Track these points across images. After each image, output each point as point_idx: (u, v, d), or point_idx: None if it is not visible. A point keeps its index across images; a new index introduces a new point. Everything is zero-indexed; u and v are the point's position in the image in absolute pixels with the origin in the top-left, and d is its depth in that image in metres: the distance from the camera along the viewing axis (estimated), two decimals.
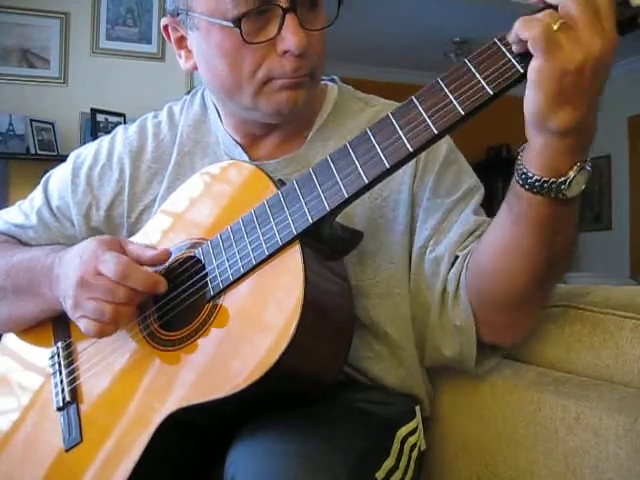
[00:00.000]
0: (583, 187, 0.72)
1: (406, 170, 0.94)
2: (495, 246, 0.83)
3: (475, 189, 0.96)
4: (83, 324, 0.84)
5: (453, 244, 0.91)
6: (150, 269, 0.86)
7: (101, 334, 0.84)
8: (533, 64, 0.65)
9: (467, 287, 0.88)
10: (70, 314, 0.87)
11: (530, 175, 0.71)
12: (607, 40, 0.64)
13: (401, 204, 0.94)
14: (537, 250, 0.78)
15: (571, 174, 0.70)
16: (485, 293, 0.86)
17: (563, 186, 0.70)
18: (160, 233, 0.95)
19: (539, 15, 0.65)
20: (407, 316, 0.95)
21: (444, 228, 0.93)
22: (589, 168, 0.71)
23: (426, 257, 0.92)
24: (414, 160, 0.93)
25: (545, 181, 0.71)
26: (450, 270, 0.90)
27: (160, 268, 0.88)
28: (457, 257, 0.90)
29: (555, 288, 0.89)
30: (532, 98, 0.66)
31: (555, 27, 0.63)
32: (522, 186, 0.73)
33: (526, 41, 0.64)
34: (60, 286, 0.89)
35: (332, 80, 1.07)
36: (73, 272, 0.85)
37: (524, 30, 0.65)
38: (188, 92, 1.16)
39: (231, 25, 0.85)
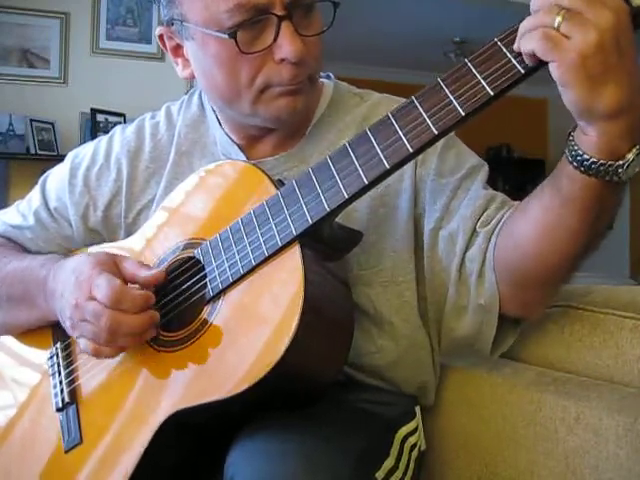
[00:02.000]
0: (638, 169, 0.69)
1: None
2: (536, 227, 0.80)
3: (479, 166, 0.95)
4: (82, 343, 0.85)
5: (466, 220, 0.89)
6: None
7: (98, 355, 0.84)
8: (551, 65, 0.63)
9: (495, 265, 0.86)
10: (69, 332, 0.88)
11: (587, 157, 0.69)
12: (615, 9, 0.62)
13: (403, 192, 0.94)
14: (581, 230, 0.76)
15: (630, 156, 0.68)
16: (517, 272, 0.85)
17: (620, 169, 0.68)
18: (159, 233, 0.94)
19: (538, 16, 0.64)
20: (413, 304, 0.94)
21: (454, 206, 0.91)
22: None
23: (439, 237, 0.91)
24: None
25: (602, 164, 0.68)
26: (468, 247, 0.89)
27: (161, 268, 0.88)
28: (477, 233, 0.88)
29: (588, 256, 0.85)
30: (567, 95, 0.65)
31: (556, 23, 0.62)
32: (577, 168, 0.70)
33: (534, 54, 0.64)
34: (56, 302, 0.89)
35: (327, 77, 1.06)
36: (69, 294, 0.85)
37: (526, 45, 0.64)
38: (187, 92, 1.16)
39: (226, 37, 0.84)
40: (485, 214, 0.89)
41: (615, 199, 0.75)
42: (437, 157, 0.94)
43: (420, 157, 0.93)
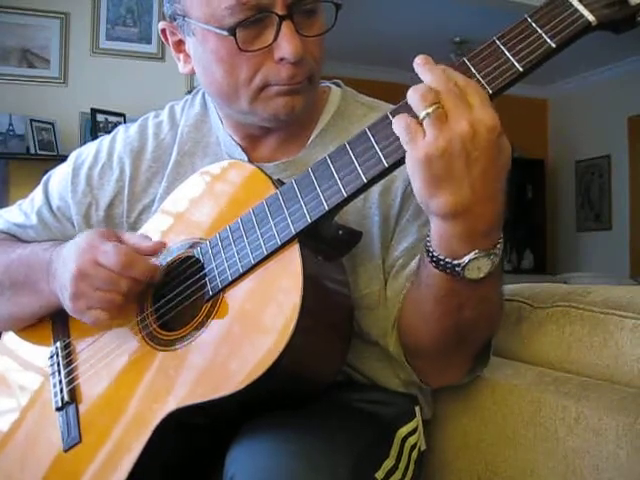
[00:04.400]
0: (485, 273, 0.72)
1: (400, 184, 0.93)
2: (409, 301, 0.85)
3: None
4: (91, 316, 0.84)
5: (412, 272, 0.90)
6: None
7: (100, 322, 0.84)
8: (406, 153, 0.67)
9: (397, 324, 0.89)
10: (69, 305, 0.87)
11: (431, 249, 0.73)
12: (475, 122, 0.64)
13: (390, 217, 0.93)
14: (439, 317, 0.79)
15: (465, 259, 0.70)
16: (403, 338, 0.88)
17: (457, 268, 0.71)
18: (160, 233, 0.94)
19: (414, 97, 0.67)
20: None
21: (412, 255, 0.91)
22: (494, 257, 0.71)
23: (390, 278, 0.92)
24: (408, 176, 0.93)
25: (441, 258, 0.72)
26: (399, 299, 0.90)
27: (160, 267, 0.88)
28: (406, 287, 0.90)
29: (480, 342, 0.88)
30: (412, 182, 0.68)
31: (422, 115, 0.65)
32: (426, 256, 0.74)
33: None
34: (57, 279, 0.89)
35: (336, 84, 1.06)
36: (71, 263, 0.85)
37: (395, 127, 0.68)
38: (188, 92, 1.16)
39: (226, 34, 0.84)
40: None
41: (478, 295, 0.76)
42: None
43: (407, 191, 0.93)
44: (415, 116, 0.67)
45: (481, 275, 0.72)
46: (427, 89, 0.66)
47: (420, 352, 0.87)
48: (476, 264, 0.71)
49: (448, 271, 0.72)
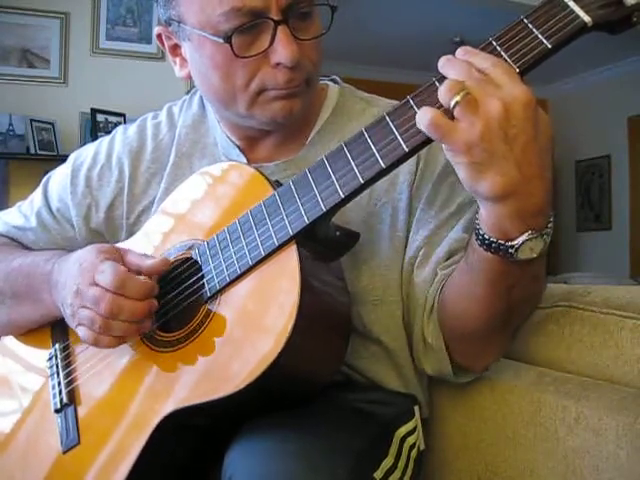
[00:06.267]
0: (537, 253, 0.71)
1: (405, 177, 0.94)
2: (455, 287, 0.84)
3: (469, 204, 0.94)
4: (80, 332, 0.84)
5: (439, 261, 0.90)
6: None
7: (96, 344, 0.83)
8: (444, 145, 0.66)
9: (437, 311, 0.89)
10: (69, 322, 0.87)
11: (482, 232, 0.72)
12: (507, 100, 0.63)
13: (399, 211, 0.94)
14: (490, 300, 0.78)
15: (519, 240, 0.69)
16: (447, 324, 0.88)
17: (511, 250, 0.70)
18: (159, 234, 0.94)
19: (441, 90, 0.65)
20: (401, 323, 0.94)
21: (434, 242, 0.92)
22: (546, 237, 0.70)
23: (415, 268, 0.92)
24: (413, 168, 0.93)
25: (494, 241, 0.71)
26: (431, 285, 0.90)
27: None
28: (437, 275, 0.90)
29: (524, 320, 0.89)
30: (457, 171, 0.67)
31: (452, 103, 0.64)
32: (476, 240, 0.73)
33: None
34: (59, 293, 0.89)
35: (333, 80, 1.06)
36: (72, 280, 0.85)
37: (420, 125, 0.66)
38: (188, 92, 1.16)
39: (221, 41, 0.84)
40: (452, 259, 0.90)
41: (526, 275, 0.75)
42: (431, 186, 0.94)
43: (417, 180, 0.94)
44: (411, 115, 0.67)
45: (533, 255, 0.71)
46: (451, 81, 0.65)
47: (467, 335, 0.86)
48: (529, 245, 0.69)
49: (501, 253, 0.71)
